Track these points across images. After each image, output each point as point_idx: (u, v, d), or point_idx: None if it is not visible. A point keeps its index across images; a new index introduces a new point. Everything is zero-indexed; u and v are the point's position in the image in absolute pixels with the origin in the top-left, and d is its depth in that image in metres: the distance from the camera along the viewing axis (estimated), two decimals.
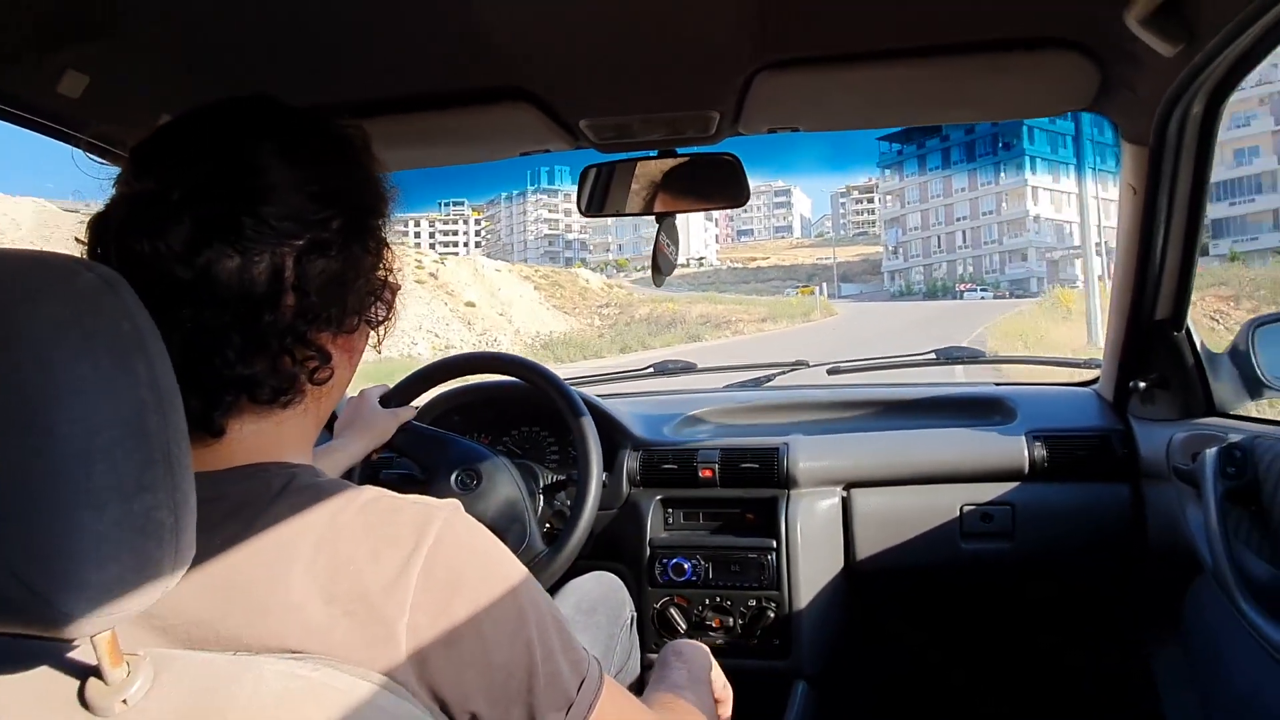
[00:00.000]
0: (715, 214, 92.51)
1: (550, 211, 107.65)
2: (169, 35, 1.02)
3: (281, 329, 0.66)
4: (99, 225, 0.66)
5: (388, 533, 0.64)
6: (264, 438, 0.69)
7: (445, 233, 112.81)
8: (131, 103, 1.13)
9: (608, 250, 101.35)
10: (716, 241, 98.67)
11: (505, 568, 0.68)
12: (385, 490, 0.68)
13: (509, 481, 1.51)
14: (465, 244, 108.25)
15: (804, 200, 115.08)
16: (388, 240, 0.76)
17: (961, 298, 55.51)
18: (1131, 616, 1.80)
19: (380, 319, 0.77)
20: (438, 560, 0.63)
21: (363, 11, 1.01)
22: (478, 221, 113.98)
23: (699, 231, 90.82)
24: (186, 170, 0.65)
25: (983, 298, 51.24)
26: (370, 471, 1.64)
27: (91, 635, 0.50)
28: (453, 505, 0.68)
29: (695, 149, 1.45)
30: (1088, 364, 1.92)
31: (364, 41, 1.09)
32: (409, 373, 1.71)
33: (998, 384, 2.03)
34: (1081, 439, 1.71)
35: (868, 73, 1.20)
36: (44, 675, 0.54)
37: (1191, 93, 1.14)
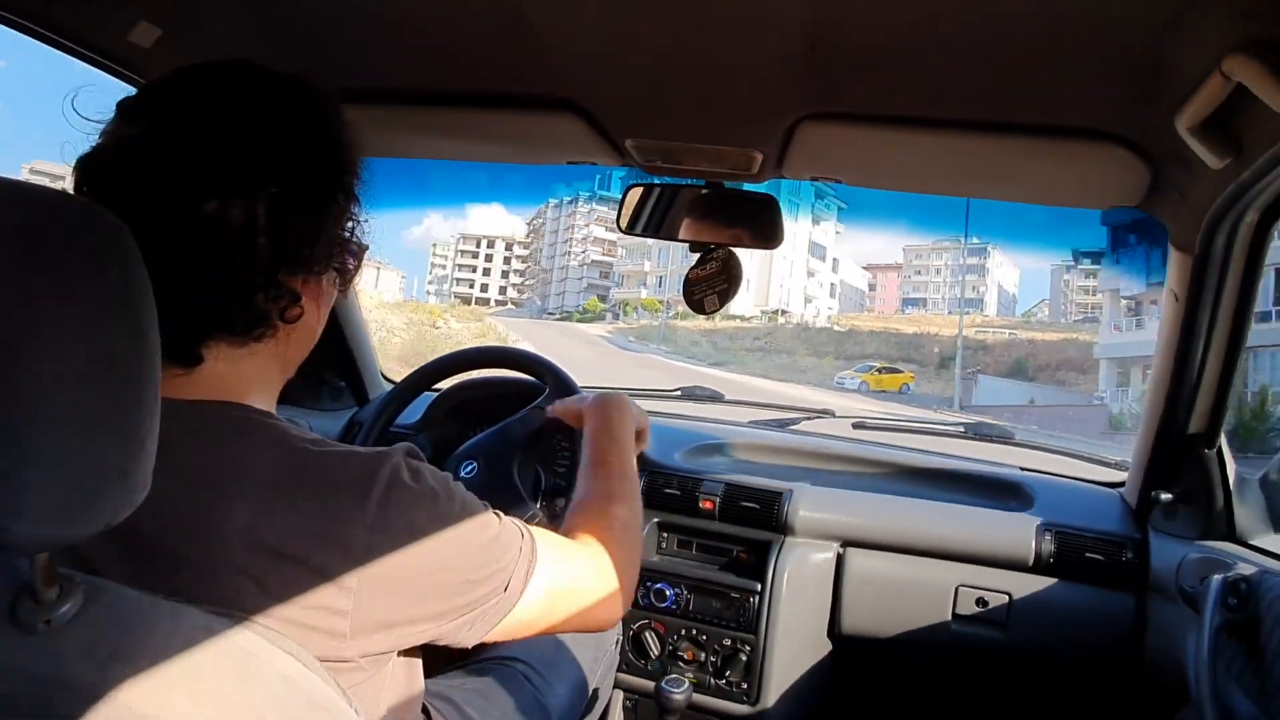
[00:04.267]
0: (872, 275, 63.31)
1: (605, 229, 64.06)
2: (242, 5, 1.09)
3: (255, 269, 0.72)
4: (87, 165, 0.72)
5: (335, 479, 0.70)
6: (235, 368, 0.75)
7: (464, 267, 72.31)
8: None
9: (642, 283, 61.55)
10: (833, 297, 58.66)
11: (452, 500, 0.76)
12: (339, 443, 0.73)
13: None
14: (484, 288, 71.51)
15: (1009, 270, 63.22)
16: (358, 195, 0.82)
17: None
18: None
19: (350, 269, 0.83)
20: (389, 504, 0.70)
21: (423, 3, 1.06)
22: (508, 258, 71.90)
23: (789, 277, 54.94)
24: (170, 120, 0.71)
25: None
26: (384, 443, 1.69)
27: (30, 555, 0.53)
28: (404, 448, 0.75)
29: (740, 185, 1.46)
30: (1119, 465, 1.85)
31: (421, 32, 1.13)
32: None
33: (1024, 469, 1.97)
34: (1094, 540, 1.64)
35: (911, 137, 1.19)
36: None
37: (1241, 206, 1.10)
